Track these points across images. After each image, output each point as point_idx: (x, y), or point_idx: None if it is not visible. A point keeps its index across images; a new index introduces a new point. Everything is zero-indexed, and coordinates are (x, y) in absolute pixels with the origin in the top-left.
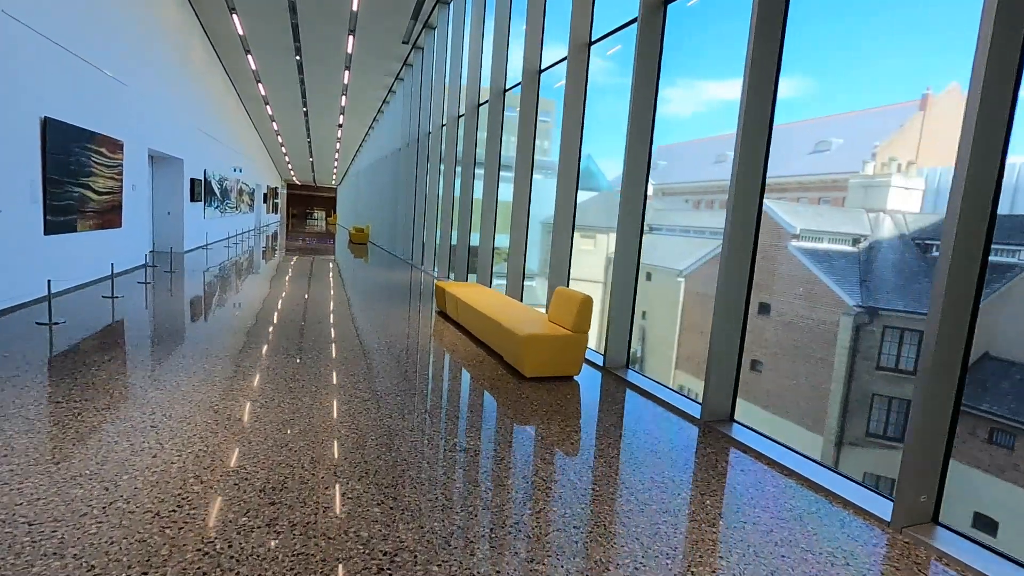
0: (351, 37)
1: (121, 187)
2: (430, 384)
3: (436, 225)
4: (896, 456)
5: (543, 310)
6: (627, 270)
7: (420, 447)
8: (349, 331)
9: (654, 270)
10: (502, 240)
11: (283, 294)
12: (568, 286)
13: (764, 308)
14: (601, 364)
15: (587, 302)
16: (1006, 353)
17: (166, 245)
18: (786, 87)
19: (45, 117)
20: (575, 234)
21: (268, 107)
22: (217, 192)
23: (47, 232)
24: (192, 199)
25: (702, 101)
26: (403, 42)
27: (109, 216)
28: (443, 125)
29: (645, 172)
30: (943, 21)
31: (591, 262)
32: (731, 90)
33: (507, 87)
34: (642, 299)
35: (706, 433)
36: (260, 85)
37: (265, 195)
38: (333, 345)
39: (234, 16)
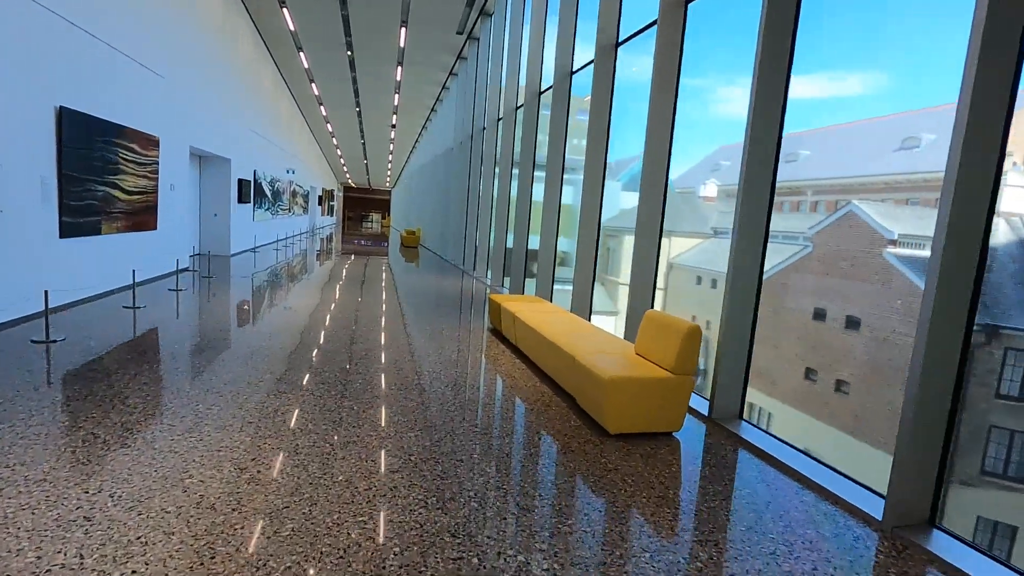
0: (403, 29)
1: (156, 187)
2: (481, 445)
3: (489, 228)
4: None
5: (594, 319)
6: (746, 289)
7: (467, 559)
8: (395, 357)
9: (720, 277)
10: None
11: (324, 307)
12: (653, 306)
13: (853, 323)
14: (705, 413)
15: (694, 334)
16: None
17: (212, 248)
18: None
19: (60, 107)
20: (629, 237)
21: (322, 107)
22: (268, 194)
23: (64, 235)
24: (240, 200)
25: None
26: (457, 32)
27: (142, 217)
28: (499, 119)
29: (771, 174)
30: None
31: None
32: (804, 87)
33: (574, 69)
34: (703, 308)
35: (900, 550)
36: (313, 84)
37: (320, 197)
38: (377, 377)
39: (284, 10)
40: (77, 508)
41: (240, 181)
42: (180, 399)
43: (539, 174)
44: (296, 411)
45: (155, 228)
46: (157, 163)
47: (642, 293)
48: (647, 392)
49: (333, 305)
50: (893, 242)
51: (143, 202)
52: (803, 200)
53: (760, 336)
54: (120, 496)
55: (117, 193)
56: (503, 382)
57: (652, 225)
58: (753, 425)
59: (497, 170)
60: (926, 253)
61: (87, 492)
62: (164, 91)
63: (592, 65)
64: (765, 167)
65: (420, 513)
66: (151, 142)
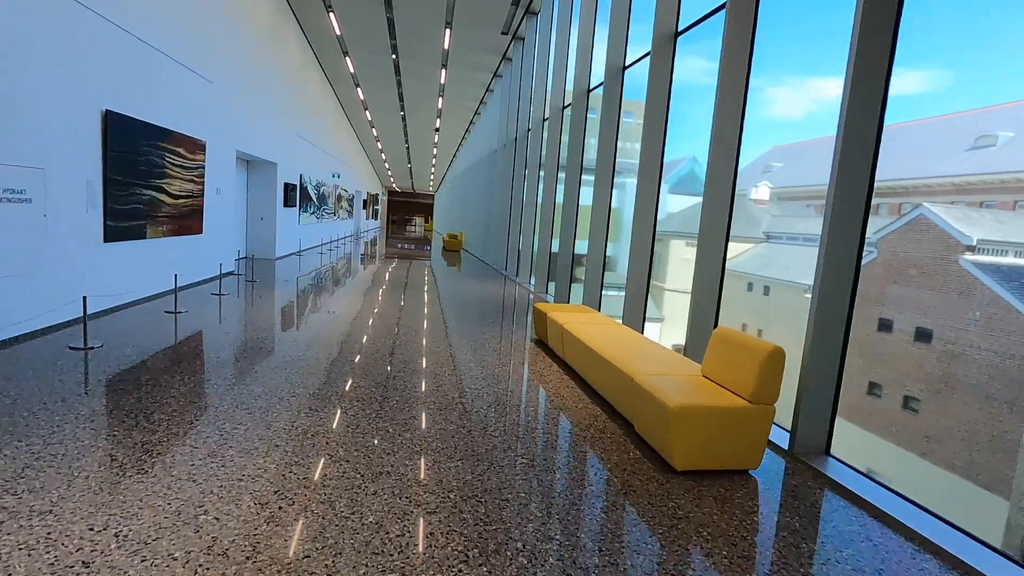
0: (447, 31)
1: (203, 190)
2: (530, 481)
3: (534, 233)
4: None
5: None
6: (836, 303)
7: None
8: (435, 371)
9: (773, 284)
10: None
11: (364, 313)
12: (718, 320)
13: (923, 335)
14: (785, 447)
15: (776, 358)
16: None
17: (257, 251)
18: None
19: (106, 110)
20: (672, 240)
21: (367, 112)
22: (313, 197)
23: (108, 239)
24: (286, 204)
25: (812, 100)
26: (502, 33)
27: (187, 221)
28: (545, 120)
29: (869, 173)
30: None
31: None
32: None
33: (626, 64)
34: (756, 316)
35: None
36: (359, 89)
37: (365, 201)
38: (415, 394)
39: (331, 14)
40: (78, 550)
41: (286, 185)
42: (207, 416)
43: (586, 177)
44: (327, 433)
45: (200, 232)
46: (203, 167)
47: (705, 306)
48: (720, 423)
49: (374, 311)
50: (971, 248)
51: (189, 206)
52: None
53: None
54: (126, 536)
55: (163, 197)
56: (551, 402)
57: (717, 232)
58: (842, 463)
59: (542, 173)
60: (1008, 260)
61: (91, 529)
62: (211, 95)
63: (646, 59)
64: (861, 166)
65: (459, 570)
66: (198, 146)
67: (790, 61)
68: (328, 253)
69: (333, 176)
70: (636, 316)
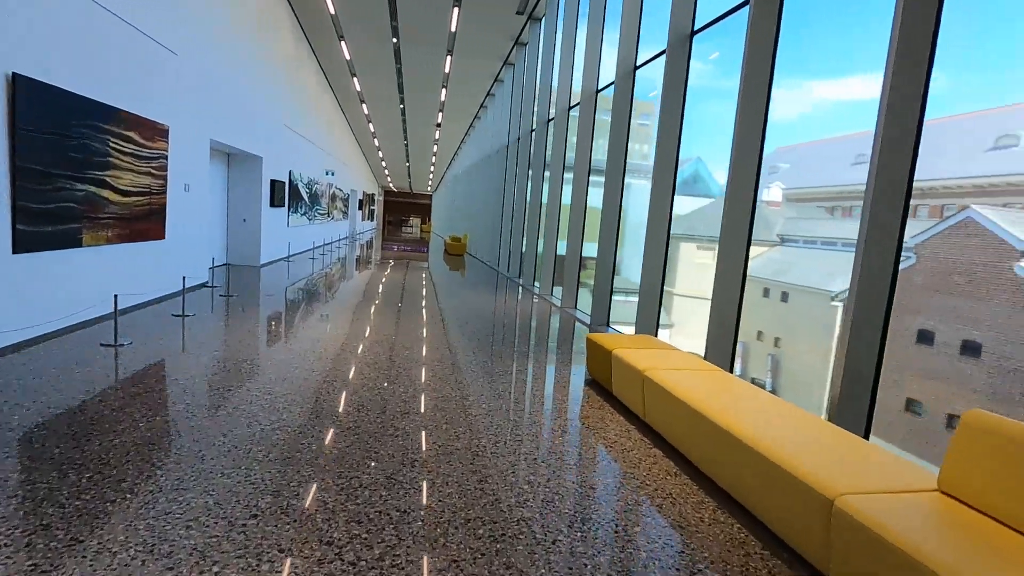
0: (456, 9)
1: (164, 186)
2: None
3: (556, 238)
4: None
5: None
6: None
7: None
8: (448, 446)
9: (792, 290)
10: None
11: (355, 341)
12: (738, 331)
13: (971, 348)
14: None
15: None
16: None
17: (239, 258)
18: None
19: (13, 74)
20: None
21: (364, 105)
22: (305, 197)
23: (19, 249)
24: (273, 204)
25: (805, 102)
26: (517, 12)
27: (143, 224)
28: (576, 105)
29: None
30: None
31: (710, 277)
32: (842, 90)
33: (638, 63)
34: (774, 323)
35: None
36: (356, 79)
37: (361, 201)
38: (415, 497)
39: None
40: None
41: (273, 182)
42: (125, 523)
43: (596, 179)
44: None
45: (162, 237)
46: (165, 157)
47: (727, 314)
48: None
49: (367, 334)
50: None
51: (145, 205)
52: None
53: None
54: None
55: (107, 193)
56: (657, 510)
57: (739, 236)
58: None
59: (569, 175)
60: None
61: None
62: (177, 71)
63: (659, 59)
64: (900, 165)
65: None
66: (157, 131)
67: (783, 64)
68: (321, 258)
69: (327, 174)
70: (650, 324)
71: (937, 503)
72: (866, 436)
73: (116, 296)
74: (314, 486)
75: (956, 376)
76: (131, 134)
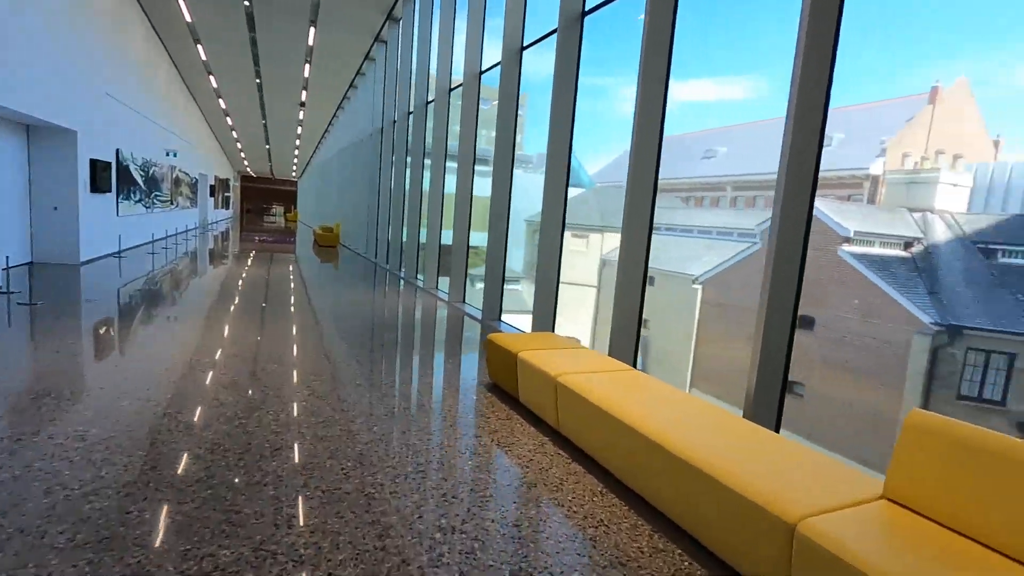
0: None
1: None
2: None
3: (444, 226)
4: None
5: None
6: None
7: None
8: (332, 494)
9: (658, 275)
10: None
11: (210, 360)
12: (641, 321)
13: (807, 322)
14: None
15: None
16: None
17: (50, 255)
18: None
19: None
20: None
21: (212, 77)
22: (139, 181)
23: None
24: (95, 189)
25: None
26: None
27: None
28: (457, 87)
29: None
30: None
31: (583, 264)
32: (689, 91)
33: (524, 44)
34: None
35: None
36: (199, 46)
37: (213, 187)
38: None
39: None
40: None
41: (95, 163)
42: None
43: (480, 168)
44: None
45: None
46: None
47: (630, 304)
48: None
49: (224, 345)
50: (847, 240)
51: None
52: (723, 196)
53: (703, 337)
54: None
55: None
56: (588, 541)
57: (640, 226)
58: None
59: (452, 163)
60: (876, 250)
61: None
62: None
63: (550, 39)
64: (807, 157)
65: None
66: None
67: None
68: (164, 253)
69: (168, 155)
70: (547, 318)
71: (886, 512)
72: (777, 427)
73: None
74: None
75: (796, 347)
76: None
